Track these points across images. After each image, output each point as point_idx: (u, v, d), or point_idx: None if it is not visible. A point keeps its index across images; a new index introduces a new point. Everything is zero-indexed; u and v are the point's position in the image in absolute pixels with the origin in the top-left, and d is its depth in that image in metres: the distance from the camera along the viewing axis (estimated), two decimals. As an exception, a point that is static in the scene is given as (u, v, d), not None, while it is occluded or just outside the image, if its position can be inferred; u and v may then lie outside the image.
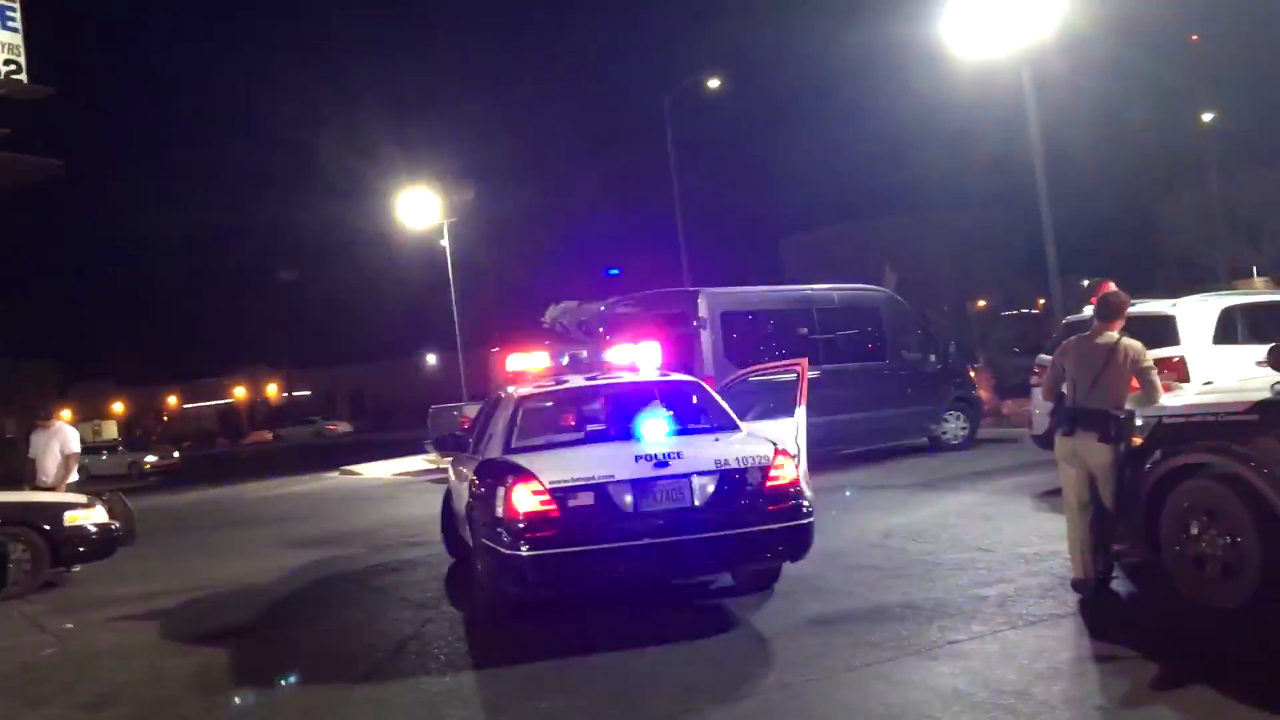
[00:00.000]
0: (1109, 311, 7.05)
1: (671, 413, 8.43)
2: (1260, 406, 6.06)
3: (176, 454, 43.10)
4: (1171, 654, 5.71)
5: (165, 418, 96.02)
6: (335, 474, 26.80)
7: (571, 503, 6.87)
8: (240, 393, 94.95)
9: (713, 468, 7.12)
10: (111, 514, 11.24)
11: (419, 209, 30.79)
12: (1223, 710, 4.85)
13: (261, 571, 10.99)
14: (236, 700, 6.47)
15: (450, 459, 10.40)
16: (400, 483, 22.52)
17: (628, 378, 8.79)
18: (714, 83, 30.45)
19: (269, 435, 74.93)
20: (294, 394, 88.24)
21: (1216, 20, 28.99)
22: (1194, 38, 30.98)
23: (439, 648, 7.18)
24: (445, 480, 11.24)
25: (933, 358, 17.40)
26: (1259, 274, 28.14)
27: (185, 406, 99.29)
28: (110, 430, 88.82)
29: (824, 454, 11.86)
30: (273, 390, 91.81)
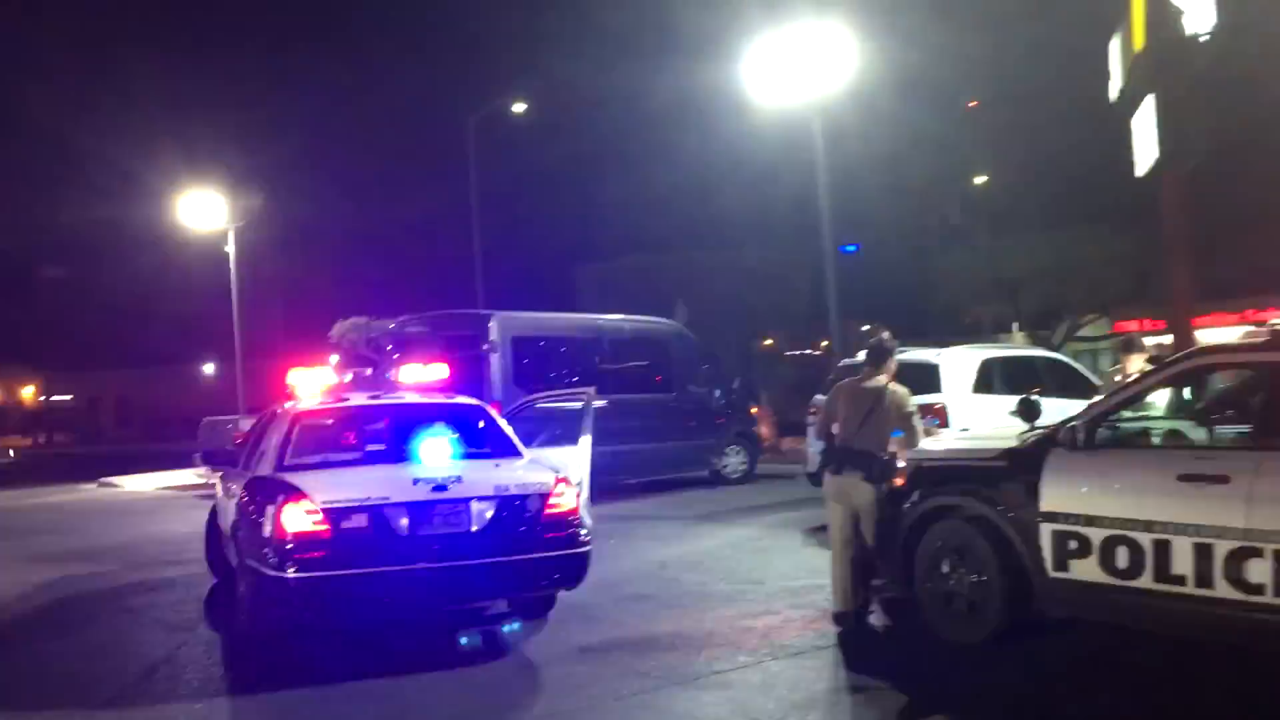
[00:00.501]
0: (878, 357, 7.41)
1: (454, 436, 8.32)
2: (1008, 454, 6.47)
3: (12, 452, 38.40)
4: (918, 686, 6.02)
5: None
6: (93, 485, 25.17)
7: (344, 524, 6.68)
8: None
9: (492, 493, 7.07)
10: None
11: (202, 212, 29.42)
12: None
13: (1, 586, 10.19)
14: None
15: (220, 474, 9.95)
16: (164, 497, 21.36)
17: (411, 399, 8.64)
18: (519, 107, 30.47)
19: (27, 441, 69.84)
20: (53, 398, 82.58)
21: (990, 91, 31.14)
22: (972, 104, 33.15)
23: (192, 672, 6.84)
24: (214, 496, 10.74)
25: (717, 393, 17.84)
26: (1018, 328, 30.19)
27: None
28: None
29: (608, 483, 11.95)
30: (30, 393, 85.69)
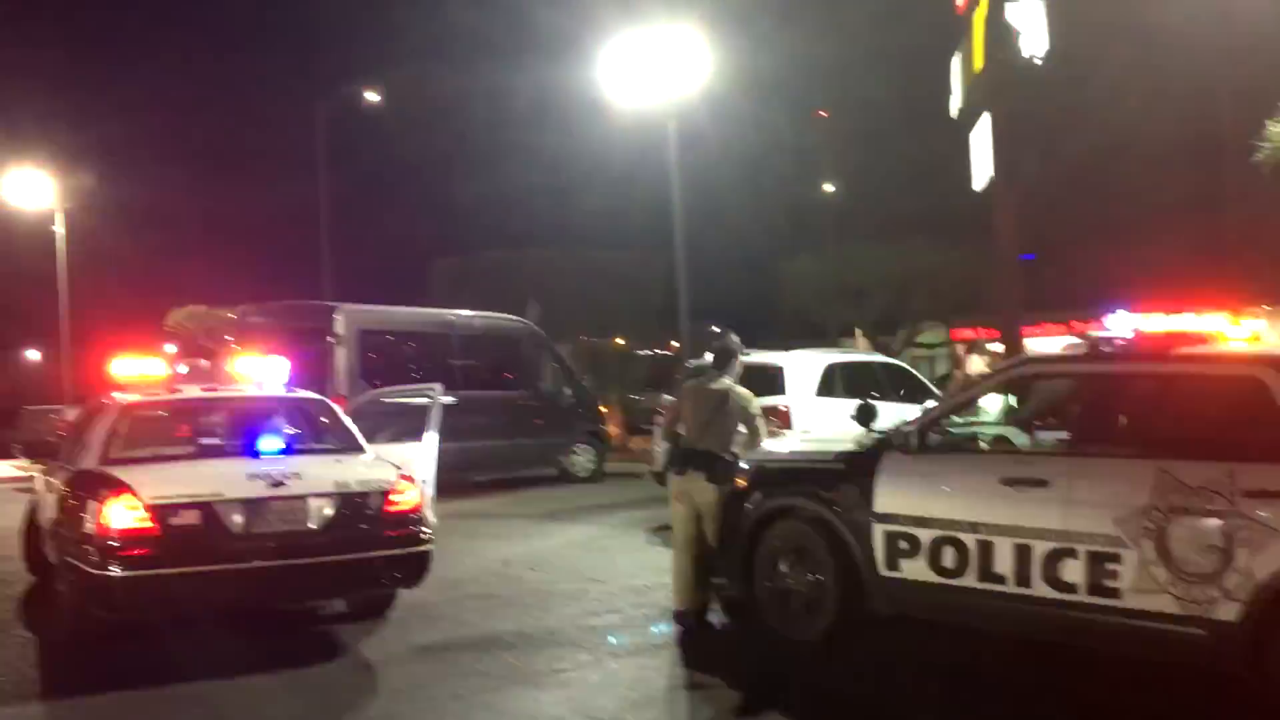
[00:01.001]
0: (722, 360, 7.52)
1: (294, 431, 8.12)
2: (845, 457, 6.66)
3: None
4: (754, 683, 6.14)
5: None
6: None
7: (173, 520, 6.43)
8: None
9: (332, 490, 6.91)
10: None
11: (29, 190, 27.94)
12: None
13: None
14: None
15: (41, 467, 9.44)
16: (-18, 490, 20.18)
17: (250, 392, 8.38)
18: (373, 98, 29.85)
19: None
20: None
21: (839, 99, 32.05)
22: (821, 113, 34.03)
23: (5, 676, 6.46)
24: (33, 489, 10.20)
25: (567, 391, 17.85)
26: (862, 333, 31.11)
27: None
28: None
29: (455, 480, 11.82)
30: None
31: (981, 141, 15.42)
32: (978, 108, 15.59)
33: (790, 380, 11.85)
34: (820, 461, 6.87)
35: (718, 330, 8.05)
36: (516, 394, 16.99)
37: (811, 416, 11.35)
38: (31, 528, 9.04)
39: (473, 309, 18.06)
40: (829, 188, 34.44)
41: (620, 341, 41.63)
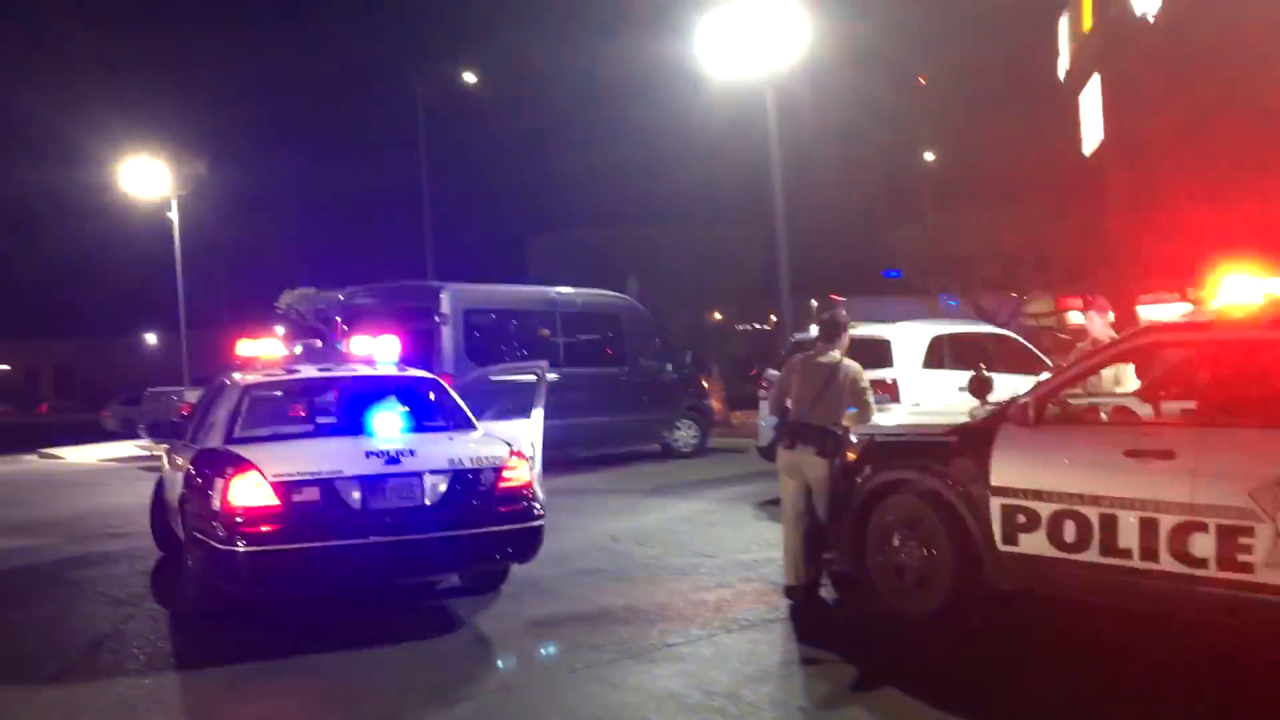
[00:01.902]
0: (831, 333, 7.44)
1: (407, 409, 8.26)
2: (959, 430, 6.55)
3: None
4: (869, 658, 6.08)
5: None
6: (33, 457, 24.73)
7: (295, 497, 6.61)
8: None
9: (446, 466, 7.02)
10: None
11: (145, 179, 28.83)
12: (911, 710, 5.19)
13: (-63, 561, 9.99)
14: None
15: (166, 446, 9.80)
16: (107, 469, 20.99)
17: (363, 371, 8.56)
18: (470, 77, 30.18)
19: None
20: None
21: (941, 68, 31.35)
22: (921, 80, 33.35)
23: (139, 647, 6.74)
24: (159, 468, 10.58)
25: (669, 366, 17.87)
26: (966, 304, 30.51)
27: None
28: None
29: (559, 457, 11.93)
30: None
31: (1091, 104, 14.97)
32: (1086, 69, 15.14)
33: (897, 352, 11.68)
34: (933, 434, 6.75)
35: (818, 304, 7.96)
36: (618, 370, 17.08)
37: (919, 389, 11.18)
38: (159, 505, 9.39)
39: (572, 286, 18.18)
40: (929, 156, 33.79)
41: (718, 316, 41.54)
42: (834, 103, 27.54)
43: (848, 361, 7.33)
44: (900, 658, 6.11)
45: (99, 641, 6.88)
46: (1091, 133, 15.40)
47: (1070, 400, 6.46)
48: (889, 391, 10.93)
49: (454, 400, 8.33)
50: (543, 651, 6.36)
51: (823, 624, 6.89)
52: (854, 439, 7.21)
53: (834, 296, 8.19)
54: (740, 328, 35.53)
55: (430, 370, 10.54)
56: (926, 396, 10.73)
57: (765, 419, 12.15)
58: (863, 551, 7.07)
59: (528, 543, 7.22)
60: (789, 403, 7.45)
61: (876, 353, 11.26)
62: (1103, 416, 6.59)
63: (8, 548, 10.72)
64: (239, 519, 6.52)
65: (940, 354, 11.93)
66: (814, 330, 11.24)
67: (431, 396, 8.53)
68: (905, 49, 30.84)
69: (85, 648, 6.74)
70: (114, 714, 5.51)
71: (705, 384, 19.56)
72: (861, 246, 32.06)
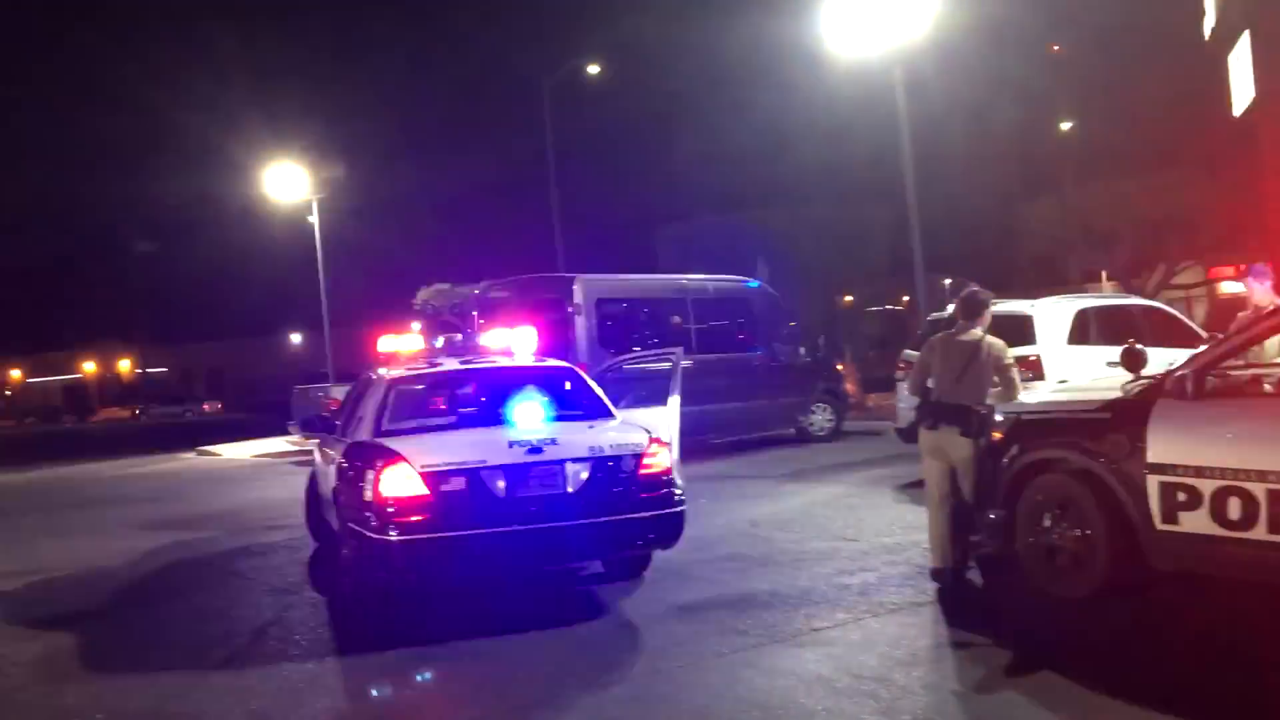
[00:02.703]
0: (972, 310, 7.27)
1: (546, 399, 8.38)
2: (1112, 405, 6.32)
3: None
4: (1023, 641, 5.94)
5: (8, 392, 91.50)
6: (191, 454, 25.94)
7: (443, 487, 6.78)
8: (90, 368, 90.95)
9: (587, 455, 7.11)
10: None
11: (286, 184, 29.90)
12: (1069, 695, 5.05)
13: (112, 554, 10.57)
14: (82, 686, 6.20)
15: (316, 440, 10.16)
16: (261, 464, 21.93)
17: (502, 362, 8.72)
18: (594, 69, 30.38)
19: (126, 412, 72.02)
20: (149, 370, 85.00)
21: (1076, 34, 30.22)
22: (1055, 48, 32.21)
23: (301, 634, 7.02)
24: (309, 462, 10.97)
25: (802, 350, 17.73)
26: (1108, 278, 29.46)
27: (29, 381, 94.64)
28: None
29: (694, 443, 11.95)
30: (125, 366, 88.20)
31: (1240, 63, 14.26)
32: (1235, 27, 14.42)
33: (1040, 328, 11.35)
34: (1085, 411, 6.54)
35: (953, 282, 7.79)
36: (751, 355, 17.02)
37: (1064, 365, 10.84)
38: (313, 497, 9.74)
39: (701, 273, 18.17)
40: (1066, 127, 32.65)
41: (849, 299, 41.00)
42: (964, 76, 26.83)
43: (991, 339, 7.16)
44: (1056, 641, 5.95)
45: (263, 629, 7.18)
46: (1241, 92, 14.65)
47: (1231, 372, 6.18)
48: (1033, 369, 10.63)
49: (592, 389, 8.42)
50: (689, 636, 6.38)
51: (972, 607, 6.75)
52: (999, 418, 7.04)
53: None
54: (872, 309, 34.97)
55: (564, 360, 10.68)
56: (1072, 373, 10.39)
57: (904, 400, 11.94)
58: (1012, 533, 6.90)
59: (669, 529, 7.26)
60: (930, 383, 7.32)
61: (1018, 329, 10.94)
62: (1267, 388, 6.29)
63: (174, 540, 11.28)
64: (390, 509, 6.72)
65: (1086, 328, 11.55)
66: (951, 309, 11.03)
67: (569, 386, 8.64)
68: (1039, 15, 29.84)
69: (251, 635, 7.05)
70: (281, 698, 5.74)
71: (840, 367, 19.35)
72: (996, 223, 31.18)
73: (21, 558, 10.67)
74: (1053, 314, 11.61)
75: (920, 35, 18.04)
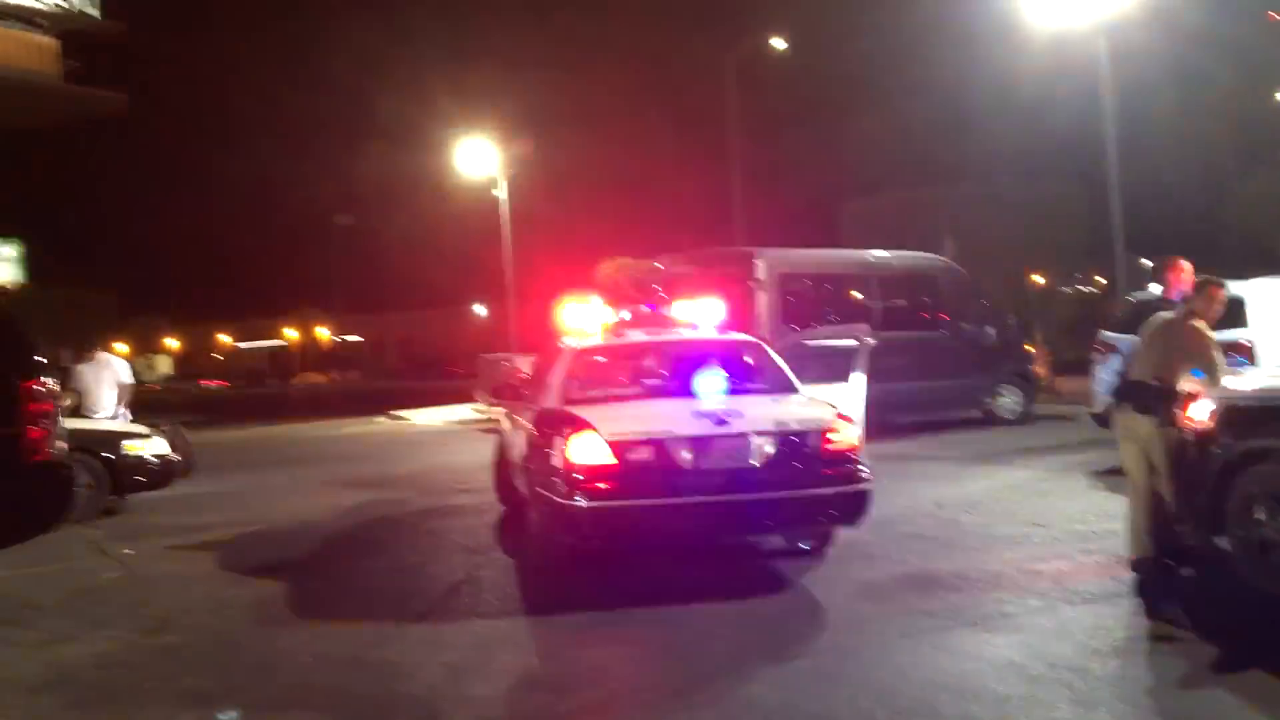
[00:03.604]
0: (1204, 297, 6.89)
1: (731, 372, 8.41)
2: (1338, 393, 5.92)
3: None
4: (1231, 638, 5.64)
5: (217, 355, 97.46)
6: (384, 419, 27.08)
7: (630, 456, 6.88)
8: (291, 334, 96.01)
9: (772, 428, 7.09)
10: (171, 445, 11.46)
11: (476, 159, 30.76)
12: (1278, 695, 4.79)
13: (315, 509, 11.17)
14: (292, 631, 6.60)
15: (504, 408, 10.46)
16: (449, 430, 22.73)
17: (688, 335, 8.78)
18: (779, 44, 30.10)
19: (324, 377, 75.61)
20: (345, 338, 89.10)
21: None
22: (1273, 16, 30.13)
23: (492, 592, 7.27)
24: (494, 430, 11.31)
25: (990, 330, 17.17)
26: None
27: (237, 345, 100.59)
28: (164, 365, 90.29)
29: (878, 422, 11.76)
30: (324, 334, 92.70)
31: None
32: None
33: (1254, 311, 10.70)
34: (1306, 398, 6.14)
35: (1149, 263, 7.41)
36: (937, 334, 16.63)
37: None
38: (501, 462, 10.04)
39: (886, 249, 17.82)
40: (1283, 97, 30.55)
41: (1039, 279, 39.47)
42: (1172, 45, 25.39)
43: (1193, 320, 6.77)
44: (1267, 639, 5.63)
45: (456, 586, 7.47)
46: None
47: None
48: (1244, 353, 10.04)
49: (777, 363, 8.40)
50: (873, 615, 6.31)
51: (1175, 600, 6.44)
52: (1209, 404, 6.67)
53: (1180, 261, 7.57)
54: (1064, 289, 33.55)
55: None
56: (1290, 359, 9.77)
57: (1099, 383, 11.45)
58: (1220, 524, 6.55)
59: (854, 506, 7.18)
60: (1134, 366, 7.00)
61: (1229, 312, 10.31)
62: None
63: (371, 499, 11.84)
64: (578, 475, 6.86)
65: (1305, 312, 10.82)
66: (1153, 289, 10.49)
67: (754, 359, 8.64)
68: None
69: (445, 591, 7.34)
70: (473, 652, 5.96)
71: (1030, 348, 18.70)
72: (1205, 201, 29.45)
73: (234, 510, 11.39)
74: (1269, 296, 10.92)
75: (1127, 3, 17.19)
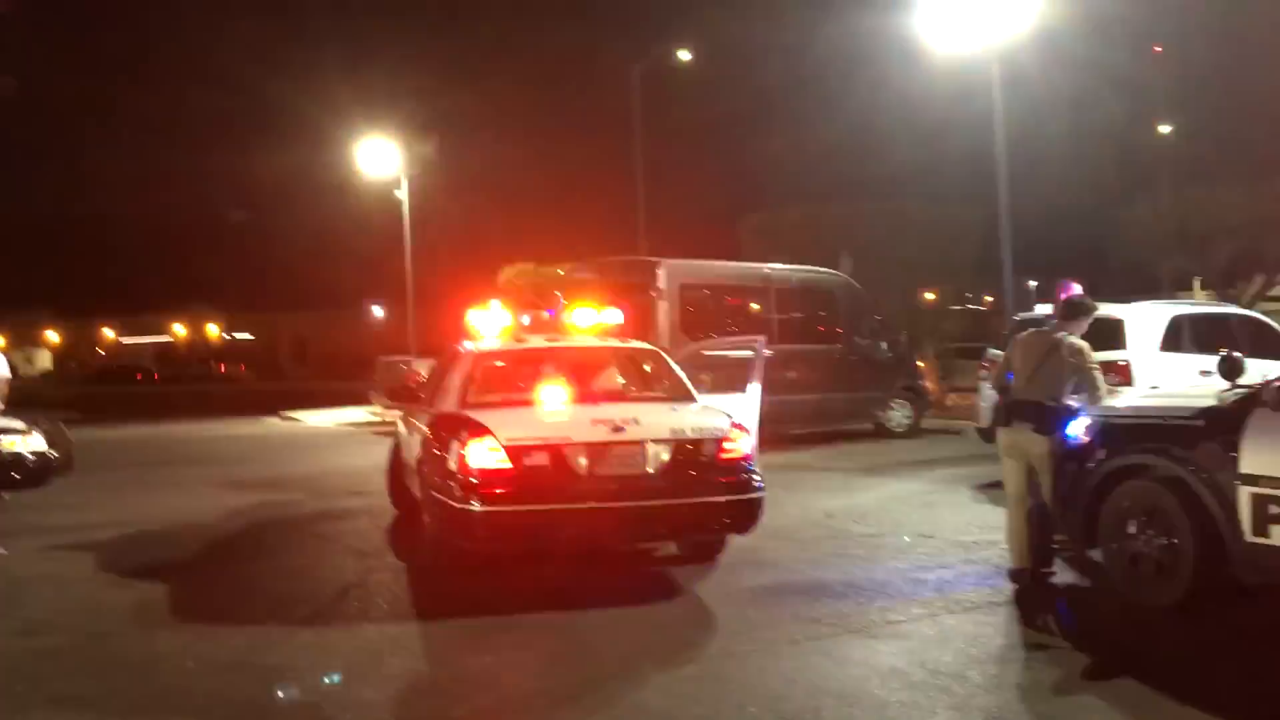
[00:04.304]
0: (1072, 313, 7.14)
1: (629, 379, 8.46)
2: (1205, 413, 6.21)
3: None
4: (1103, 646, 5.89)
5: (101, 350, 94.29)
6: (275, 419, 26.55)
7: (526, 461, 6.89)
8: (180, 331, 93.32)
9: (668, 436, 7.16)
10: (49, 442, 11.06)
11: (377, 159, 30.35)
12: (1148, 703, 4.99)
13: (201, 511, 10.91)
14: (174, 634, 6.43)
15: (401, 410, 10.36)
16: (343, 432, 22.38)
17: (588, 341, 8.80)
18: (685, 55, 30.35)
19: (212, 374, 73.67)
20: (235, 336, 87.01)
21: (1179, 35, 29.45)
22: (1157, 49, 31.42)
23: (383, 597, 7.20)
24: (390, 432, 11.19)
25: (884, 345, 17.58)
26: (1201, 286, 28.66)
27: (122, 341, 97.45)
28: (44, 359, 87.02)
29: (772, 433, 11.94)
30: (213, 331, 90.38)
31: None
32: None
33: (1131, 333, 11.14)
34: (1177, 417, 6.43)
35: (1034, 283, 7.67)
36: (833, 348, 16.94)
37: (1155, 372, 10.63)
38: (396, 465, 9.94)
39: (785, 263, 18.08)
40: (1165, 129, 31.83)
41: (931, 296, 40.43)
42: (1060, 74, 26.26)
43: (1071, 337, 7.03)
44: (1136, 648, 5.89)
45: (346, 590, 7.38)
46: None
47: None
48: (1121, 374, 10.45)
49: (675, 371, 8.47)
50: (762, 621, 6.41)
51: (1051, 609, 6.69)
52: (1085, 420, 6.94)
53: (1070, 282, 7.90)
54: (955, 308, 34.40)
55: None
56: (1162, 380, 10.19)
57: (985, 399, 11.82)
58: (1094, 537, 6.82)
59: (747, 514, 7.29)
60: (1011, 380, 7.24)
61: (1109, 333, 10.74)
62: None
63: (260, 501, 11.60)
64: (474, 479, 6.84)
65: (1179, 335, 11.31)
66: (1039, 310, 10.86)
67: (653, 367, 8.71)
68: (1139, 14, 29.13)
69: (335, 595, 7.24)
70: (361, 657, 5.89)
71: (921, 364, 19.16)
72: (1089, 225, 30.51)
73: (115, 510, 11.07)
74: (1145, 319, 11.39)
75: (1020, 31, 17.74)
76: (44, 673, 5.70)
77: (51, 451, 10.96)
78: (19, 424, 11.11)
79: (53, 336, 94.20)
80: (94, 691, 5.40)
